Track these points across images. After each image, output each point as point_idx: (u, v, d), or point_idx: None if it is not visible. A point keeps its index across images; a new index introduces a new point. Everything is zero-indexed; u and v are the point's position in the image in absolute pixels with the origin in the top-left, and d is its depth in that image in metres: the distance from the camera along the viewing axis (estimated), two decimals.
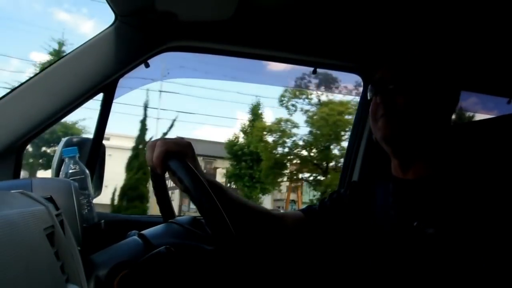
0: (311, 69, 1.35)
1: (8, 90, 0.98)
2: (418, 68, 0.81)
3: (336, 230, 0.95)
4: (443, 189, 0.76)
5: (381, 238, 0.84)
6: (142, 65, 1.13)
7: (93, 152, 1.10)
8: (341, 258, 1.05)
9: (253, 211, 0.92)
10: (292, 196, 16.58)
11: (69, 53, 1.02)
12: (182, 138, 0.78)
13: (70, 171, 0.78)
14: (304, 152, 14.35)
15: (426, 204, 0.77)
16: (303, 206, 1.09)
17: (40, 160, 11.41)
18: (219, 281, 0.75)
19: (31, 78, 0.99)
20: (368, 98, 0.88)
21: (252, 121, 15.56)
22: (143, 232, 0.75)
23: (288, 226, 0.95)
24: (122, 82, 1.12)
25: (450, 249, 0.69)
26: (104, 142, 1.14)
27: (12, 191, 0.47)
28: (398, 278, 0.77)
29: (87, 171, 0.81)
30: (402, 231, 0.78)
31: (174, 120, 15.43)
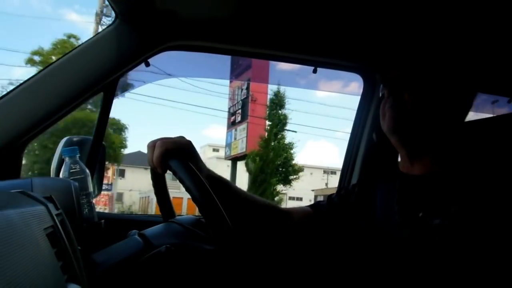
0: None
1: (8, 90, 0.97)
2: (424, 67, 0.82)
3: (342, 228, 0.95)
4: (449, 184, 0.77)
5: (385, 232, 0.84)
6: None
7: (93, 152, 1.10)
8: (346, 256, 1.06)
9: (260, 206, 0.93)
10: None
11: (69, 52, 1.02)
12: (183, 137, 0.77)
13: (71, 170, 0.78)
14: None
15: (431, 197, 0.78)
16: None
17: None
18: (219, 280, 0.75)
19: (31, 77, 0.99)
20: (380, 95, 0.90)
21: None
22: (143, 231, 0.75)
23: (295, 221, 0.96)
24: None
25: (456, 240, 0.70)
26: None
27: (12, 191, 0.47)
28: (403, 272, 0.77)
29: (88, 171, 0.81)
30: (407, 222, 0.78)
31: None
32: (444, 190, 0.77)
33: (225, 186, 0.84)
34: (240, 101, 16.40)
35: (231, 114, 17.25)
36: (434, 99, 0.80)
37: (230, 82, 16.10)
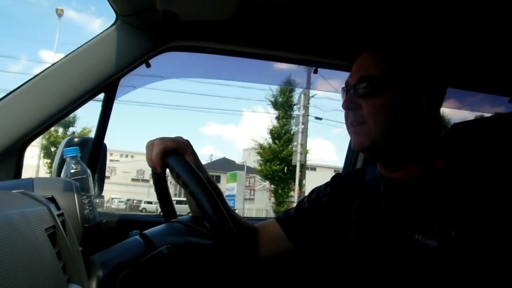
0: None
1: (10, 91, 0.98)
2: (407, 68, 0.75)
3: (317, 238, 0.90)
4: (441, 192, 0.70)
5: (376, 249, 0.77)
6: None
7: (94, 152, 1.10)
8: (328, 269, 1.00)
9: (240, 224, 0.89)
10: None
11: (70, 53, 1.02)
12: (181, 137, 0.77)
13: (72, 171, 0.77)
14: None
15: (423, 209, 0.71)
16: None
17: None
18: (219, 279, 0.75)
19: (32, 78, 0.99)
20: (342, 98, 0.82)
21: None
22: (145, 232, 0.75)
23: (264, 241, 0.91)
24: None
25: (456, 264, 0.63)
26: None
27: (13, 191, 0.47)
28: None
29: (89, 171, 0.81)
30: (401, 243, 0.72)
31: None
32: (437, 198, 0.70)
33: (219, 196, 0.78)
34: None
35: None
36: (399, 106, 0.73)
37: None
